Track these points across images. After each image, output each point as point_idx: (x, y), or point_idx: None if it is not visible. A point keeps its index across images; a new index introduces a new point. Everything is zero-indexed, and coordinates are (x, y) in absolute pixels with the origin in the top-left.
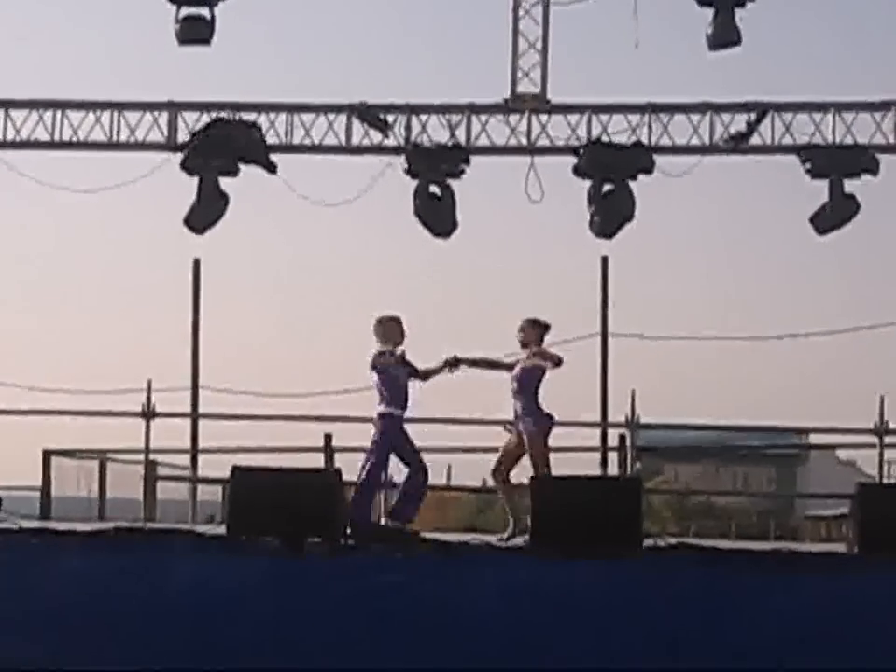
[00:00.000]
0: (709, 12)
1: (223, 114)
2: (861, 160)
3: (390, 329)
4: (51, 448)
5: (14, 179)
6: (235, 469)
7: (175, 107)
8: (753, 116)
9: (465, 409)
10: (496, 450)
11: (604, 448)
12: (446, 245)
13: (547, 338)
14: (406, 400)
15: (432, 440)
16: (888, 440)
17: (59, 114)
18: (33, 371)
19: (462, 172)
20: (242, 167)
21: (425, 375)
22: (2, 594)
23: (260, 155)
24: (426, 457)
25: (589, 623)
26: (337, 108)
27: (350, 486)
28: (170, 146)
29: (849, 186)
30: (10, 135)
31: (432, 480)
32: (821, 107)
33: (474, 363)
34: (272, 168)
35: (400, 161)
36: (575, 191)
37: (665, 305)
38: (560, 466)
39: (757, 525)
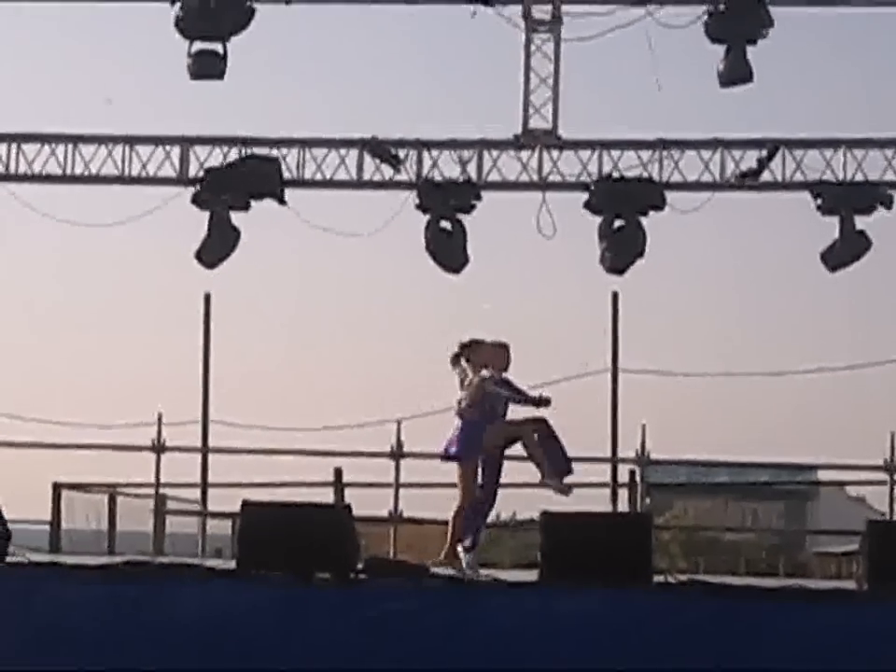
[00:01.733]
0: (721, 49)
1: (235, 150)
2: (872, 195)
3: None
4: (61, 481)
5: (26, 213)
6: (245, 503)
7: (186, 142)
8: (764, 152)
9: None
10: (506, 486)
11: (614, 484)
12: (458, 280)
13: (557, 374)
14: None
15: (440, 475)
16: None
17: (71, 147)
18: (43, 405)
19: (473, 207)
20: (253, 202)
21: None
22: (11, 626)
23: (275, 187)
24: (436, 492)
25: (598, 657)
26: (349, 143)
27: (360, 521)
28: (182, 180)
29: (860, 222)
30: (23, 169)
31: (441, 515)
32: (832, 144)
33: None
34: (282, 199)
35: (412, 196)
36: (586, 227)
37: (675, 341)
38: (570, 501)
39: (766, 561)
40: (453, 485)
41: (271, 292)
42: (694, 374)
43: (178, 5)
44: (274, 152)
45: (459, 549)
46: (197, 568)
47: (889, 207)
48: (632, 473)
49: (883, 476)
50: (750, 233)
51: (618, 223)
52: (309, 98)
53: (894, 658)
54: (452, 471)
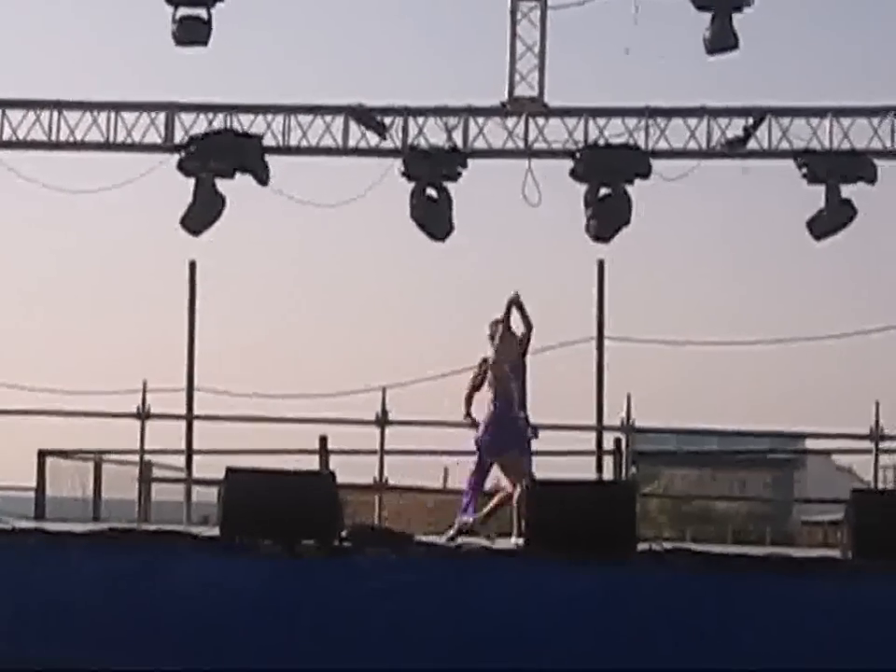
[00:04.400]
0: (707, 16)
1: (220, 117)
2: (858, 166)
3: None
4: (46, 448)
5: (11, 179)
6: (229, 470)
7: (172, 108)
8: (751, 120)
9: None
10: None
11: (599, 452)
12: (443, 247)
13: (544, 341)
14: None
15: (429, 443)
16: (883, 445)
17: (56, 114)
18: (28, 372)
19: (459, 175)
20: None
21: None
22: None
23: (257, 165)
24: (422, 460)
25: (582, 625)
26: (334, 110)
27: (344, 489)
28: (167, 147)
29: (846, 191)
30: (7, 135)
31: (428, 483)
32: (819, 112)
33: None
34: (264, 179)
35: (397, 163)
36: (572, 195)
37: (661, 309)
38: (555, 469)
39: (753, 530)
40: (437, 453)
41: (256, 260)
42: (680, 343)
43: None
44: (259, 119)
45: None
46: (180, 535)
47: (871, 182)
48: (617, 441)
49: (868, 445)
50: (736, 202)
51: (604, 191)
52: (294, 65)
53: (877, 624)
54: (435, 439)
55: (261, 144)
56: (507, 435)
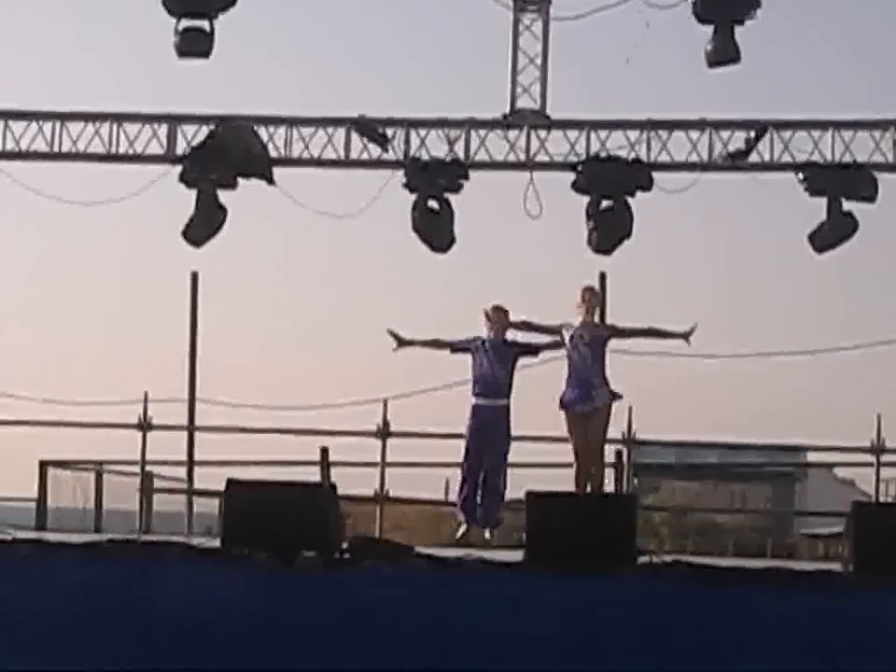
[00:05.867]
0: (709, 29)
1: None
2: (859, 179)
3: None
4: (47, 459)
5: (13, 190)
6: (230, 482)
7: (174, 120)
8: (752, 133)
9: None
10: None
11: None
12: (444, 259)
13: (546, 353)
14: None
15: (430, 454)
16: (884, 458)
17: (58, 125)
18: (29, 382)
19: (461, 187)
20: (240, 181)
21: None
22: None
23: (262, 166)
24: (422, 472)
25: (582, 638)
26: (336, 122)
27: (345, 500)
28: (169, 158)
29: (848, 204)
30: (10, 146)
31: (429, 495)
32: (820, 125)
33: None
34: (270, 179)
35: (399, 175)
36: (573, 207)
37: (662, 321)
38: (557, 482)
39: (754, 542)
40: (439, 465)
41: (258, 271)
42: (682, 355)
43: None
44: (262, 130)
45: None
46: (181, 547)
47: (872, 201)
48: (618, 454)
49: (870, 458)
50: (738, 214)
51: (605, 203)
52: (297, 76)
53: (877, 638)
54: (438, 450)
55: (259, 139)
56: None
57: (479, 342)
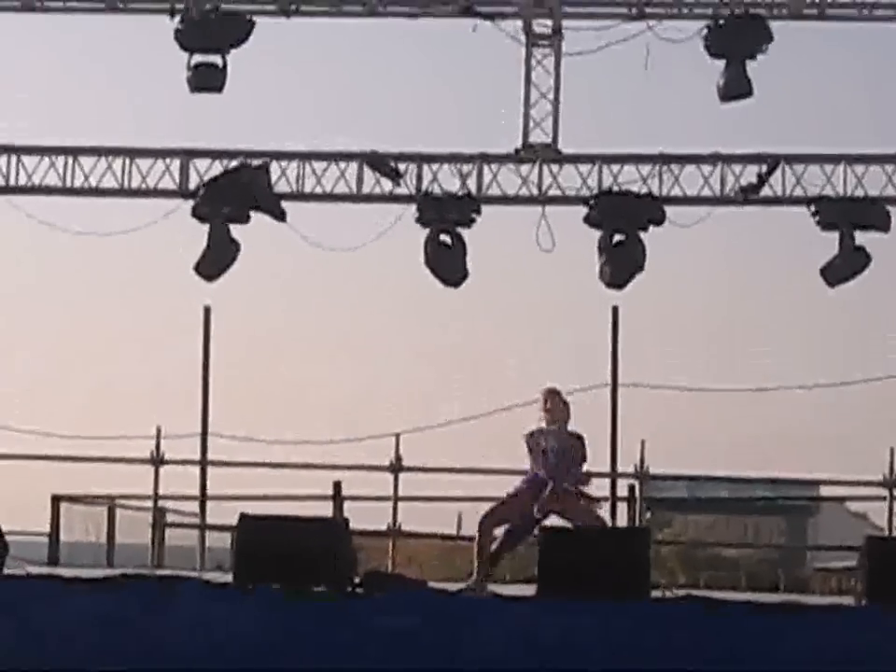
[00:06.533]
0: (721, 63)
1: (235, 164)
2: (871, 213)
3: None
4: (60, 493)
5: (27, 225)
6: (243, 516)
7: (187, 154)
8: (764, 167)
9: (475, 458)
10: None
11: (613, 499)
12: (456, 293)
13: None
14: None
15: (443, 489)
16: None
17: (71, 160)
18: (41, 417)
19: (473, 221)
20: (253, 214)
21: None
22: (9, 639)
23: (268, 201)
24: (434, 506)
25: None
26: (348, 157)
27: (358, 535)
28: (182, 192)
29: (860, 238)
30: (23, 181)
31: (442, 529)
32: (833, 159)
33: None
34: (280, 216)
35: (411, 210)
36: (586, 241)
37: (675, 356)
38: None
39: (767, 576)
40: (452, 499)
41: (270, 305)
42: (694, 389)
43: (178, 17)
44: (274, 165)
45: None
46: (194, 582)
47: (885, 231)
48: (631, 488)
49: (883, 492)
50: (750, 248)
51: (617, 237)
52: (309, 111)
53: None
54: (450, 485)
55: (269, 177)
56: None
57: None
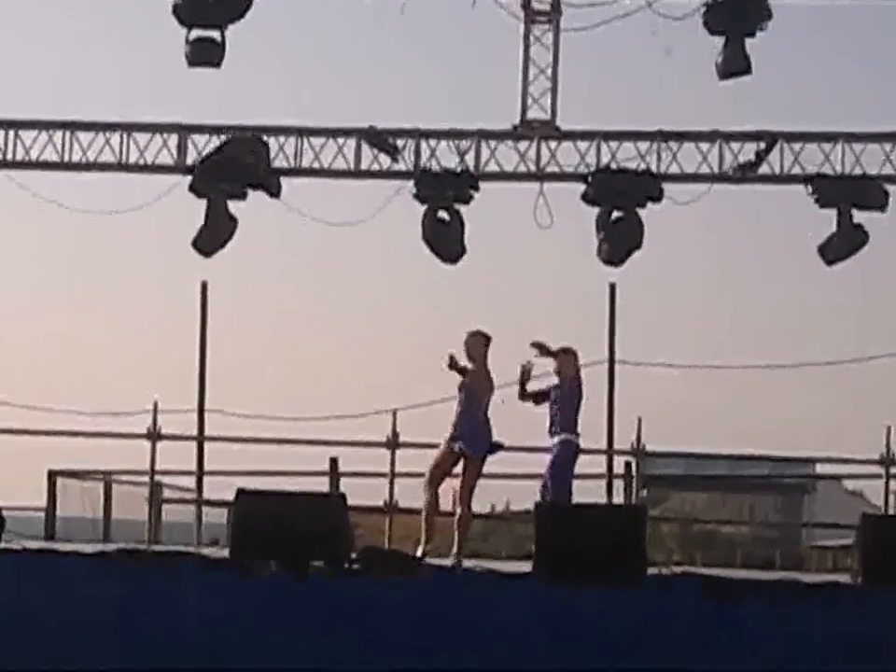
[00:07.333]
0: (720, 41)
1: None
2: (869, 191)
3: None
4: (56, 469)
5: (24, 199)
6: (240, 491)
7: (184, 130)
8: (762, 145)
9: None
10: (501, 476)
11: (609, 476)
12: (454, 269)
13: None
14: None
15: None
16: (893, 470)
17: (69, 135)
18: (38, 392)
19: (471, 197)
20: (250, 191)
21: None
22: (5, 613)
23: (264, 177)
24: None
25: (591, 649)
26: (346, 132)
27: (355, 511)
28: (179, 168)
29: (858, 216)
30: (20, 156)
31: None
32: (830, 137)
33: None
34: (275, 191)
35: (409, 185)
36: (583, 218)
37: (672, 333)
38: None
39: (762, 554)
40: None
41: (267, 281)
42: (691, 366)
43: None
44: (272, 140)
45: None
46: (190, 557)
47: (882, 210)
48: (627, 465)
49: (879, 470)
50: (748, 226)
51: (616, 214)
52: (307, 87)
53: (886, 649)
54: None
55: (268, 153)
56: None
57: None
